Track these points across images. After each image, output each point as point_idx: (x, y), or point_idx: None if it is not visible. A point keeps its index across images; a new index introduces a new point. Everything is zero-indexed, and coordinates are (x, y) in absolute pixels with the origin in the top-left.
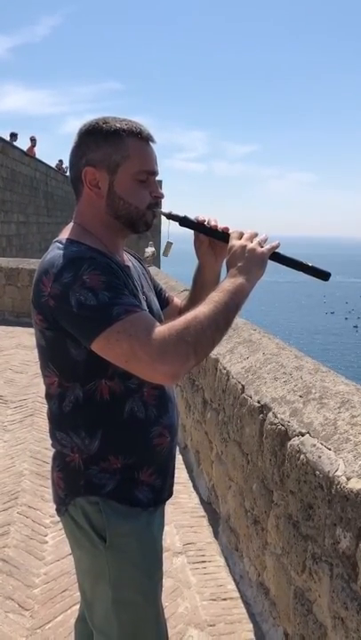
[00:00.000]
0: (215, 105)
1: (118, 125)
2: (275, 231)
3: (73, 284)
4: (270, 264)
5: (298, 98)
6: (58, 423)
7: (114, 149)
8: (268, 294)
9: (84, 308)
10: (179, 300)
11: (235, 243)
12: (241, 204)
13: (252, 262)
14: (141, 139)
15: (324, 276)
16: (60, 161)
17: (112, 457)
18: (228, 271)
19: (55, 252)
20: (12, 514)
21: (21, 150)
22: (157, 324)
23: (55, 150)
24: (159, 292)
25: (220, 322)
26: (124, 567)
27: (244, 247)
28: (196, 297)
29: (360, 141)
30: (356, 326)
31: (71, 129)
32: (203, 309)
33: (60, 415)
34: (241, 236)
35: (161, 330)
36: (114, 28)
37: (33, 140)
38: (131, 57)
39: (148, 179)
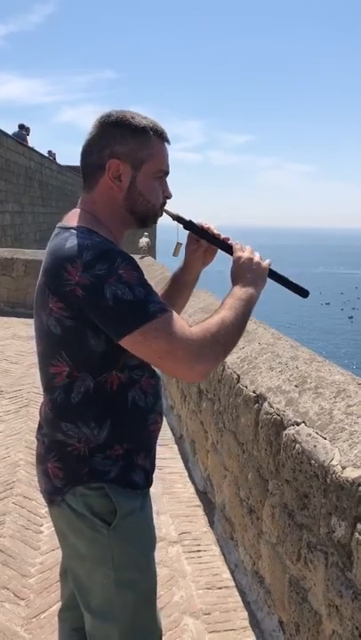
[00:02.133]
0: (211, 94)
1: (145, 122)
2: (270, 222)
3: (108, 277)
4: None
5: (295, 88)
6: (65, 414)
7: (141, 146)
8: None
9: (120, 303)
10: None
11: (242, 254)
12: (237, 194)
13: (259, 274)
14: (163, 139)
15: (303, 293)
16: (49, 152)
17: (117, 445)
18: (233, 279)
19: (75, 240)
20: (8, 504)
21: (20, 142)
22: (188, 324)
23: (51, 139)
24: None
25: (241, 327)
26: (126, 547)
27: (251, 260)
28: (170, 294)
29: (357, 133)
30: (351, 317)
31: (67, 118)
32: (227, 314)
33: (68, 405)
34: (243, 248)
35: (197, 331)
36: (109, 16)
37: (26, 129)
38: (126, 46)
39: (163, 177)
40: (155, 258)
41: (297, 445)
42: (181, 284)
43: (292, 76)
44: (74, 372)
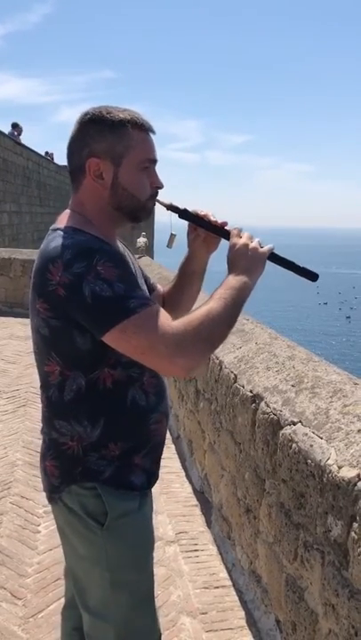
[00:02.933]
0: (209, 94)
1: (122, 116)
2: (270, 222)
3: (87, 275)
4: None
5: (293, 87)
6: (58, 412)
7: (118, 140)
8: (260, 284)
9: (99, 299)
10: (162, 287)
11: (237, 241)
12: (236, 194)
13: (255, 261)
14: (144, 129)
15: (312, 276)
16: (47, 152)
17: (112, 444)
18: (228, 267)
19: (60, 239)
20: (5, 504)
21: (17, 142)
22: (171, 318)
23: (49, 139)
24: (146, 280)
25: (230, 318)
26: (120, 549)
27: (247, 246)
28: (180, 285)
29: (356, 133)
30: (348, 317)
31: (65, 118)
32: (214, 305)
33: (61, 404)
34: (241, 234)
35: (177, 324)
36: (107, 15)
37: (18, 128)
38: (124, 46)
39: (149, 166)
40: (152, 257)
41: (293, 445)
42: (189, 274)
43: (290, 76)
44: (65, 371)
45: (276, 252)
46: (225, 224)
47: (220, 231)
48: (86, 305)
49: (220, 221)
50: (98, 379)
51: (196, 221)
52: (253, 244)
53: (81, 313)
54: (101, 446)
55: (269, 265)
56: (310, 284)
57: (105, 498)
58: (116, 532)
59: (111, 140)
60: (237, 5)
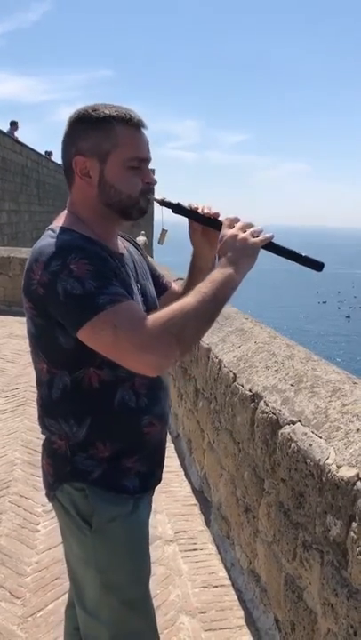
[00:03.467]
0: (208, 93)
1: (107, 112)
2: (267, 221)
3: (60, 273)
4: (266, 255)
5: (292, 86)
6: (47, 410)
7: (103, 137)
8: (259, 283)
9: (70, 297)
10: (177, 286)
11: (226, 232)
12: (235, 193)
13: (243, 253)
14: (131, 125)
15: (317, 266)
16: (47, 152)
17: (100, 444)
18: (218, 260)
19: (46, 240)
20: (4, 503)
21: (11, 137)
22: (144, 314)
23: (47, 138)
24: (157, 278)
25: (207, 313)
26: (109, 552)
27: (235, 237)
28: (192, 284)
29: (354, 133)
30: (348, 316)
31: (64, 117)
32: (189, 300)
33: (50, 402)
34: (233, 224)
35: (146, 321)
36: (106, 14)
37: (14, 125)
38: (123, 44)
39: (140, 165)
40: (152, 256)
41: (293, 444)
42: (196, 272)
43: (289, 75)
44: (52, 369)
45: (275, 241)
46: (217, 215)
47: (212, 222)
48: (60, 303)
49: (213, 212)
50: (83, 378)
51: (190, 215)
52: (243, 235)
53: (57, 311)
54: (89, 446)
55: (267, 264)
56: (310, 284)
57: (92, 500)
58: (105, 536)
59: (95, 138)
60: (236, 4)
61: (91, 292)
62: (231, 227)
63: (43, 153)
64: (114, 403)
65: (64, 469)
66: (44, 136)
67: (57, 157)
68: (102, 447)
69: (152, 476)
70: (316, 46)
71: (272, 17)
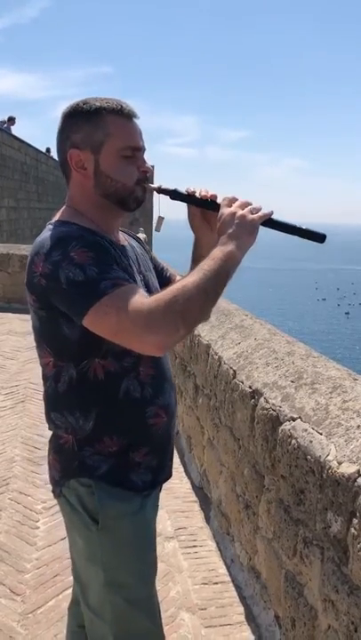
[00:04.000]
0: (207, 89)
1: (98, 104)
2: None
3: (62, 262)
4: (267, 255)
5: (291, 82)
6: (53, 404)
7: (95, 129)
8: (259, 281)
9: (72, 284)
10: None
11: (224, 210)
12: (235, 190)
13: (242, 229)
14: (122, 115)
15: (319, 237)
16: (47, 148)
17: (107, 438)
18: (217, 239)
19: (46, 233)
20: (4, 500)
21: (6, 132)
22: (146, 295)
23: (47, 135)
24: (161, 271)
25: (210, 290)
26: (116, 549)
27: (233, 214)
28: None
29: (353, 129)
30: (347, 313)
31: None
32: (191, 278)
33: (56, 395)
34: (231, 203)
35: (148, 301)
36: (105, 10)
37: (11, 120)
38: (123, 41)
39: (133, 154)
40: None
41: (293, 441)
42: (199, 260)
43: (288, 71)
44: (58, 362)
45: (274, 217)
46: (214, 197)
47: (210, 204)
48: (63, 291)
49: (210, 194)
50: (88, 369)
51: (188, 199)
52: (242, 212)
53: (60, 300)
54: (96, 440)
55: (267, 262)
56: (309, 281)
57: (99, 496)
58: (111, 533)
59: (88, 130)
60: (236, 0)
61: (92, 277)
62: (230, 206)
63: (43, 149)
64: (119, 393)
65: (71, 465)
66: (44, 132)
67: (55, 154)
68: (110, 441)
69: (162, 469)
70: (316, 42)
71: (272, 13)
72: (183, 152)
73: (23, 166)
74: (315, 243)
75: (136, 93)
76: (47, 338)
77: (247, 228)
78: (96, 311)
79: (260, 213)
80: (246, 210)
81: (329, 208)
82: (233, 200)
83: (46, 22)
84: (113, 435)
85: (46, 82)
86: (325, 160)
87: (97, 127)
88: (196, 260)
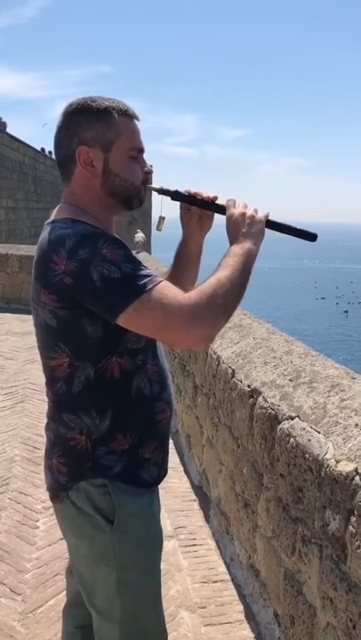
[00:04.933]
0: (205, 88)
1: (107, 103)
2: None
3: (93, 259)
4: (267, 252)
5: (290, 81)
6: (66, 405)
7: (107, 127)
8: (258, 280)
9: (108, 281)
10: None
11: (233, 211)
12: (234, 188)
13: (254, 227)
14: (128, 116)
15: (311, 237)
16: (43, 149)
17: (120, 436)
18: (229, 238)
19: (60, 230)
20: (4, 500)
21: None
22: (182, 291)
23: (44, 135)
24: None
25: (240, 283)
26: (130, 548)
27: (244, 214)
28: (178, 272)
29: (351, 127)
30: (346, 311)
31: (60, 113)
32: (224, 273)
33: (69, 396)
34: (235, 205)
35: (190, 296)
36: (103, 9)
37: (2, 124)
38: (121, 40)
39: (137, 155)
40: (150, 253)
41: (291, 439)
42: (185, 259)
43: (286, 70)
44: (74, 362)
45: (270, 218)
46: (216, 198)
47: (214, 206)
48: (96, 289)
49: (212, 196)
50: (106, 368)
51: (190, 201)
52: (250, 212)
53: (91, 298)
54: (110, 439)
55: (266, 261)
56: (308, 279)
57: (114, 495)
58: (125, 532)
59: (99, 128)
60: None
61: (129, 274)
62: (235, 207)
63: (40, 149)
64: (131, 391)
65: (83, 466)
66: (42, 132)
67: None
68: (122, 439)
69: (164, 464)
70: (316, 39)
71: (272, 10)
72: (182, 151)
73: (22, 166)
74: (309, 241)
75: (135, 92)
76: (65, 337)
77: (258, 226)
78: (137, 308)
79: (262, 213)
80: (252, 210)
81: (329, 206)
82: (235, 201)
83: (45, 21)
84: (126, 432)
85: (44, 81)
86: (325, 158)
87: (108, 126)
88: (182, 257)
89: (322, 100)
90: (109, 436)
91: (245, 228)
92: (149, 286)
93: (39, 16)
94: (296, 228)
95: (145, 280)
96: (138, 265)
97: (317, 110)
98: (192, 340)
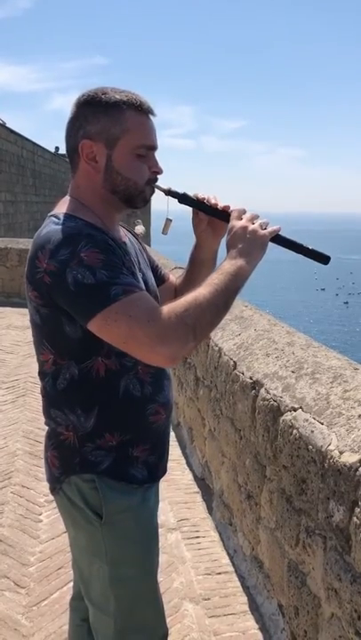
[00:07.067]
0: (202, 80)
1: (118, 97)
2: (266, 207)
3: (70, 262)
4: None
5: (287, 72)
6: (53, 401)
7: (113, 122)
8: (258, 271)
9: (81, 287)
10: (175, 277)
11: (235, 223)
12: (232, 179)
13: (254, 244)
14: (141, 111)
15: (324, 259)
16: (57, 148)
17: (107, 434)
18: (228, 251)
19: (51, 226)
20: (6, 493)
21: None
22: (157, 305)
23: (41, 128)
24: (155, 269)
25: (220, 304)
26: (120, 543)
27: (245, 228)
28: (192, 275)
29: (352, 118)
30: (346, 302)
31: (57, 105)
32: (203, 291)
33: (55, 393)
34: (242, 216)
35: (161, 312)
36: (99, 1)
37: None
38: (117, 31)
39: (147, 154)
40: (150, 245)
41: (294, 431)
42: (199, 263)
43: (283, 60)
44: (58, 360)
45: (282, 234)
46: (227, 207)
47: (220, 214)
48: (69, 292)
49: (221, 204)
50: (91, 368)
51: (197, 205)
52: (253, 227)
53: (65, 301)
54: (97, 436)
55: (266, 252)
56: (308, 271)
57: (102, 491)
58: (115, 528)
59: (105, 122)
60: None
61: (103, 281)
62: (240, 218)
63: (36, 142)
64: (119, 392)
65: (72, 461)
66: (38, 125)
67: (49, 147)
68: (110, 437)
69: (158, 466)
70: (314, 30)
71: (270, 1)
72: (180, 143)
73: (20, 160)
74: (321, 264)
75: (131, 84)
76: (48, 335)
77: (258, 243)
78: (105, 317)
79: (269, 229)
80: (257, 224)
81: (328, 197)
82: (242, 212)
83: (39, 13)
84: (114, 431)
85: (40, 74)
86: (324, 149)
87: (115, 121)
88: (195, 262)
89: (320, 90)
90: (96, 433)
91: (243, 244)
92: (120, 297)
93: (33, 8)
94: (308, 248)
95: (117, 289)
96: (117, 272)
97: (315, 101)
98: (158, 358)
